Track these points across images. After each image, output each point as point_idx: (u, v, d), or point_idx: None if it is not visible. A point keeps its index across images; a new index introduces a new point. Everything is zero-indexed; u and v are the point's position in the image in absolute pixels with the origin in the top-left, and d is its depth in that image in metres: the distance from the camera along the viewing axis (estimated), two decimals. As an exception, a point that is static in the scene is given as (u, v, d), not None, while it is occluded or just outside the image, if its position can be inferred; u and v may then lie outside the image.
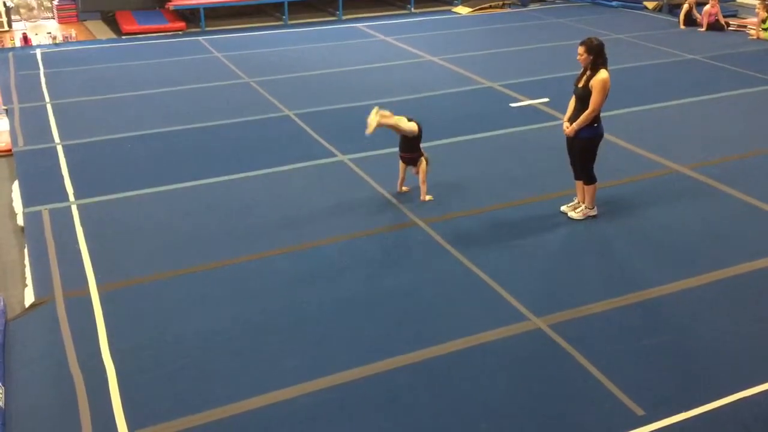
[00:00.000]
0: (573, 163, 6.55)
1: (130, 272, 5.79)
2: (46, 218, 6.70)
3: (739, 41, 13.41)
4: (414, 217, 6.58)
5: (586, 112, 6.11)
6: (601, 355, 4.69)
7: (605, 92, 6.05)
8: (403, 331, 5.01)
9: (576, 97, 6.27)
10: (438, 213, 6.67)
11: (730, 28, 14.36)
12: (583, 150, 6.33)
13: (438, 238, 6.22)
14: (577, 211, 6.55)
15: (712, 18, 14.27)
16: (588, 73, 6.12)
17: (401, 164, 7.00)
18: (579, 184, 6.56)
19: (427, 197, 6.90)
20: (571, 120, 6.29)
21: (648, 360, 4.67)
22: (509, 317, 5.11)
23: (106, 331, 5.03)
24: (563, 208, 6.67)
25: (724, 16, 14.62)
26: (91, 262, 5.92)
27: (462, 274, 5.70)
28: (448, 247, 6.08)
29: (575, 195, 6.68)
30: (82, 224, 6.57)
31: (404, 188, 7.07)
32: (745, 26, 14.34)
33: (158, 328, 5.07)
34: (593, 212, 6.52)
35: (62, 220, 6.67)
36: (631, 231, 6.40)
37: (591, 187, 6.44)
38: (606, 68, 6.08)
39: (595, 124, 6.22)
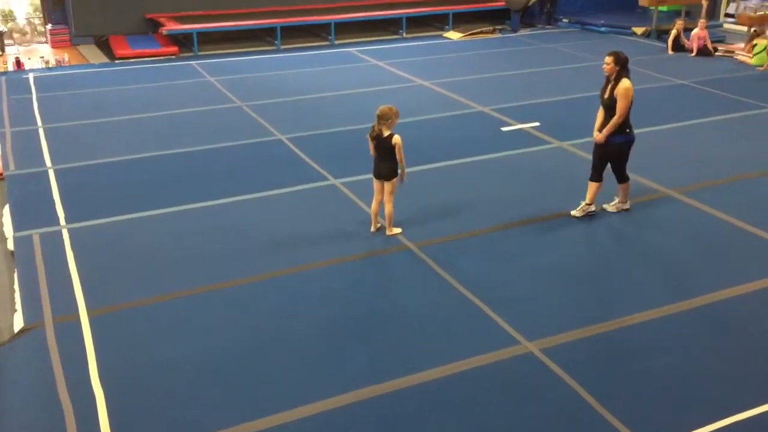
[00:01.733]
0: (594, 166, 7.02)
1: (120, 297, 5.76)
2: (36, 243, 6.68)
3: (727, 67, 13.58)
4: (405, 241, 6.59)
5: (614, 119, 6.66)
6: (593, 379, 4.69)
7: (629, 99, 6.61)
8: (394, 355, 5.00)
9: (603, 107, 6.83)
10: (429, 236, 6.69)
11: (717, 53, 14.54)
12: (617, 154, 6.89)
13: (429, 261, 6.23)
14: (612, 204, 7.20)
15: (701, 42, 14.45)
16: (612, 83, 6.68)
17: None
18: (592, 185, 7.03)
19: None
20: (601, 129, 6.83)
21: (640, 383, 4.67)
22: (501, 341, 5.11)
23: (96, 356, 5.00)
24: (572, 212, 7.18)
25: (712, 42, 14.82)
26: (82, 287, 5.89)
27: (453, 297, 5.70)
28: (440, 270, 6.08)
29: (582, 200, 7.14)
30: (73, 248, 6.55)
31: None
32: (733, 51, 14.52)
33: (148, 354, 5.04)
34: (626, 206, 7.20)
35: (53, 244, 6.65)
36: (621, 255, 6.43)
37: (625, 185, 7.09)
38: (629, 78, 6.64)
39: (627, 130, 6.79)
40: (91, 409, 4.47)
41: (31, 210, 7.42)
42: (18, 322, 5.47)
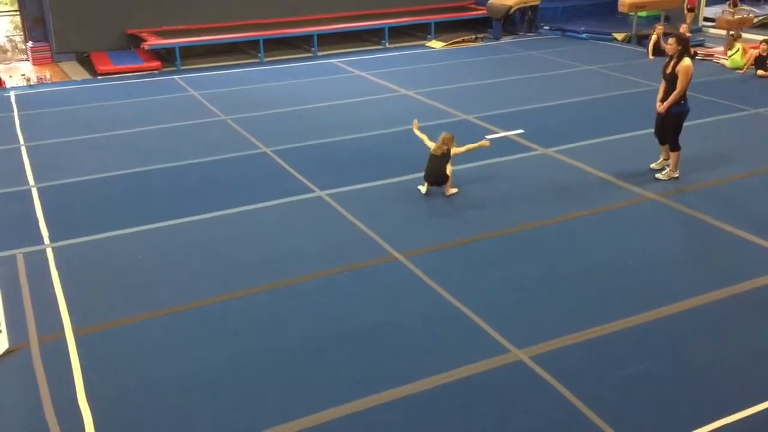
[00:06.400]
0: (656, 133, 8.15)
1: (106, 315, 5.71)
2: (20, 262, 6.61)
3: (707, 70, 13.70)
4: (393, 251, 6.58)
5: (674, 93, 7.68)
6: (583, 386, 4.69)
7: (689, 76, 7.61)
8: (384, 367, 4.98)
9: (665, 81, 7.84)
10: (416, 246, 6.68)
11: (697, 57, 14.68)
12: (674, 123, 7.85)
13: (418, 271, 6.23)
14: (663, 173, 8.04)
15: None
16: (674, 60, 7.67)
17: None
18: (664, 147, 8.14)
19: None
20: (663, 100, 7.86)
21: (630, 389, 4.68)
22: (490, 350, 5.11)
23: (83, 376, 4.94)
24: (652, 165, 8.30)
25: (692, 46, 14.96)
26: (67, 306, 5.84)
27: (442, 307, 5.69)
28: (428, 280, 6.08)
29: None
30: (58, 267, 6.49)
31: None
32: (713, 55, 14.68)
33: (136, 372, 5.00)
34: (676, 174, 8.00)
35: (37, 263, 6.58)
36: (608, 259, 6.45)
37: (676, 153, 7.96)
38: (690, 56, 7.67)
39: (683, 101, 7.78)
40: (79, 430, 4.41)
41: (14, 229, 7.35)
42: (2, 343, 5.40)
